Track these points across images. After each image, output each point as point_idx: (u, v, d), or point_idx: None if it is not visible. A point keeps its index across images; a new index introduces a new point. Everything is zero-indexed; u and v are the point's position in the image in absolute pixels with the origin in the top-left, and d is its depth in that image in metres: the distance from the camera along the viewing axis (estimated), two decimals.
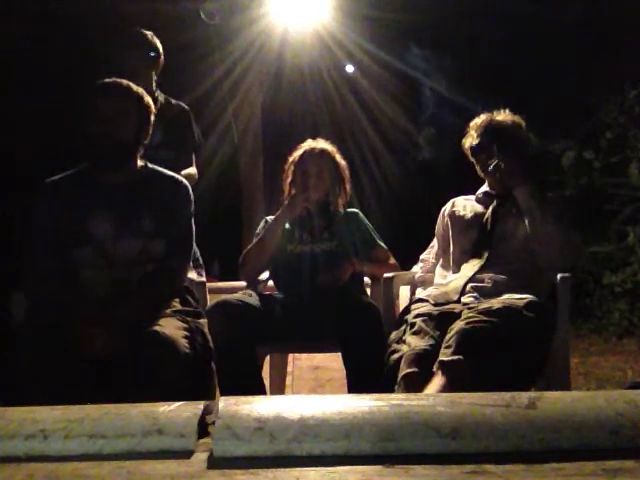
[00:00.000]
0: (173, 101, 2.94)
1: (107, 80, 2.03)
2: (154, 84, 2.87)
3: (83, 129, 1.98)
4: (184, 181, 2.12)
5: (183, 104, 2.96)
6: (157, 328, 1.75)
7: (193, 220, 2.09)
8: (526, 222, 2.21)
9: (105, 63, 2.76)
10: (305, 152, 2.59)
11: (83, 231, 1.93)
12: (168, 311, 1.90)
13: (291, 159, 2.62)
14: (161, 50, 2.90)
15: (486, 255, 2.23)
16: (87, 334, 1.71)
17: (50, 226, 1.95)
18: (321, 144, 2.63)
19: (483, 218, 2.33)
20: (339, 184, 2.62)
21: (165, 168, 2.13)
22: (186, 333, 1.82)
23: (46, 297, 1.89)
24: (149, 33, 2.88)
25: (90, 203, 1.97)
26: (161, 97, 2.89)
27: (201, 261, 2.73)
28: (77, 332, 1.72)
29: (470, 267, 2.23)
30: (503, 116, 2.40)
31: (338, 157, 2.63)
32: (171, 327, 1.79)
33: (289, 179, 2.60)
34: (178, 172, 2.25)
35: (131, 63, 2.73)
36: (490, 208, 2.35)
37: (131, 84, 2.04)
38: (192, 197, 2.10)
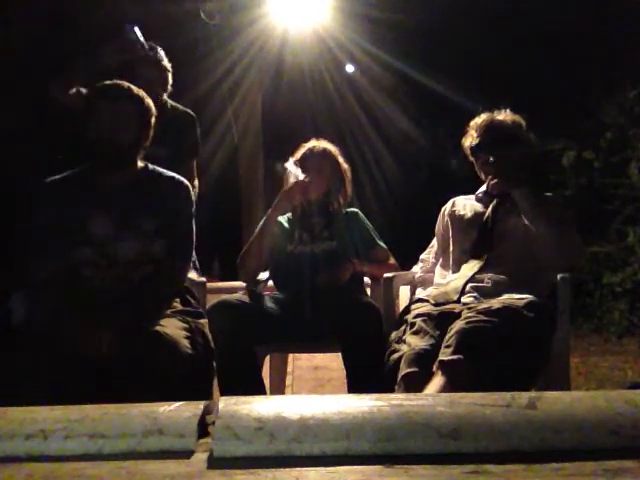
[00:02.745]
0: (180, 107, 2.97)
1: (107, 83, 2.02)
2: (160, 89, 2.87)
3: (83, 131, 1.97)
4: (185, 181, 2.11)
5: (190, 111, 2.98)
6: (158, 329, 1.75)
7: (194, 220, 2.09)
8: (525, 222, 2.22)
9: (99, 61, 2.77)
10: (307, 150, 2.60)
11: (83, 231, 1.93)
12: (169, 311, 1.90)
13: (293, 159, 2.62)
14: (169, 67, 2.92)
15: (486, 255, 2.23)
16: (88, 334, 1.71)
17: (50, 226, 1.95)
18: (323, 144, 2.63)
19: (483, 217, 2.33)
20: (340, 184, 2.62)
21: (155, 164, 2.11)
22: (187, 334, 1.82)
23: (46, 297, 1.89)
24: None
25: (90, 203, 1.97)
26: (167, 101, 2.92)
27: (197, 264, 2.72)
28: (77, 332, 1.72)
29: (470, 267, 2.23)
30: (504, 116, 2.40)
31: (340, 158, 2.64)
32: (172, 327, 1.79)
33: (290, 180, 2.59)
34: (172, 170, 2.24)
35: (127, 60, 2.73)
36: (490, 207, 2.34)
37: (132, 86, 2.03)
38: (193, 197, 2.10)
